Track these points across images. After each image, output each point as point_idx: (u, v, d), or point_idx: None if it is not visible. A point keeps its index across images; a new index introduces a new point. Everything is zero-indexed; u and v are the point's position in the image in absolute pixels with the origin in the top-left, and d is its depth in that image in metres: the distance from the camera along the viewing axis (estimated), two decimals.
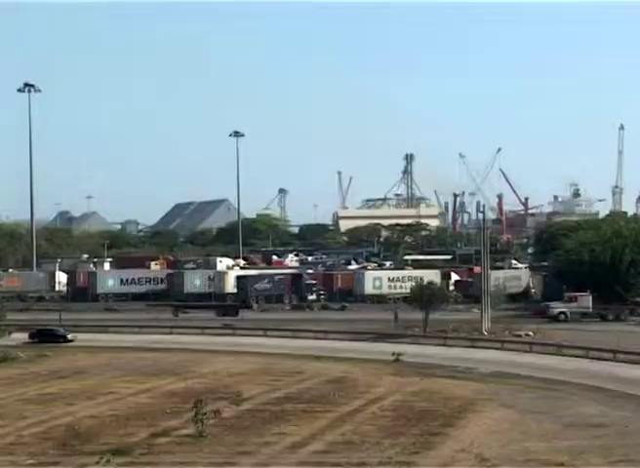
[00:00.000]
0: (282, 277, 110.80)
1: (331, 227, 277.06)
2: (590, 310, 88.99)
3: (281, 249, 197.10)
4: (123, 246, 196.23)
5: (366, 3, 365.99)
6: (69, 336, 79.40)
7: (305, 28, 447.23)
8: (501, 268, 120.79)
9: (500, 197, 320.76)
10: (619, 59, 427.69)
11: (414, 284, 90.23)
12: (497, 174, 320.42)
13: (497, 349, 70.70)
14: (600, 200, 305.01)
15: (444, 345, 73.71)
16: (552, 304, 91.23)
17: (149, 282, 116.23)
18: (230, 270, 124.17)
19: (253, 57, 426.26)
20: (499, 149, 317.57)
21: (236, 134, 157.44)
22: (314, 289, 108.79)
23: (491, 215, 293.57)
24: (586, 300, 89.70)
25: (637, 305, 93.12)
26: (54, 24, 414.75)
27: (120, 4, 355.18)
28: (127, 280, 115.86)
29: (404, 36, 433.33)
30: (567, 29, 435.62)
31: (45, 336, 79.13)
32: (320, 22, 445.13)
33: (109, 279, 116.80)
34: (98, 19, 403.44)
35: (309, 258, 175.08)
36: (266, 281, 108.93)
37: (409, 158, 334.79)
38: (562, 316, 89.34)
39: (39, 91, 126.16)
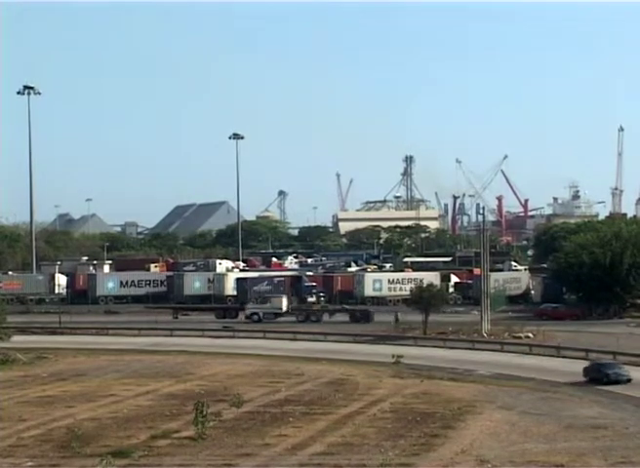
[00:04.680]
0: (281, 279, 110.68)
1: (330, 229, 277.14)
2: (283, 311, 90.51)
3: (281, 251, 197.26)
4: (123, 248, 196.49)
5: (367, 5, 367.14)
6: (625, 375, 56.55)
7: (306, 31, 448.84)
8: (501, 270, 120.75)
9: (499, 199, 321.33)
10: (619, 61, 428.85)
11: (414, 286, 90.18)
12: (499, 177, 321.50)
13: (497, 351, 70.66)
14: (600, 202, 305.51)
15: (444, 347, 73.70)
16: (248, 305, 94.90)
17: (149, 284, 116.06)
18: (230, 272, 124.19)
19: (253, 59, 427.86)
20: (505, 156, 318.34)
21: (236, 136, 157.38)
22: (314, 291, 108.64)
23: (490, 218, 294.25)
24: (279, 301, 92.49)
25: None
26: (55, 26, 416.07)
27: (121, 6, 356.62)
28: (127, 282, 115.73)
29: (404, 39, 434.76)
30: (567, 31, 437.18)
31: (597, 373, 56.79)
32: (321, 25, 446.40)
33: (109, 281, 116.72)
34: (99, 20, 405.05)
35: (309, 260, 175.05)
36: (266, 283, 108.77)
37: (409, 160, 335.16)
38: (255, 316, 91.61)
39: (39, 93, 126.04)
